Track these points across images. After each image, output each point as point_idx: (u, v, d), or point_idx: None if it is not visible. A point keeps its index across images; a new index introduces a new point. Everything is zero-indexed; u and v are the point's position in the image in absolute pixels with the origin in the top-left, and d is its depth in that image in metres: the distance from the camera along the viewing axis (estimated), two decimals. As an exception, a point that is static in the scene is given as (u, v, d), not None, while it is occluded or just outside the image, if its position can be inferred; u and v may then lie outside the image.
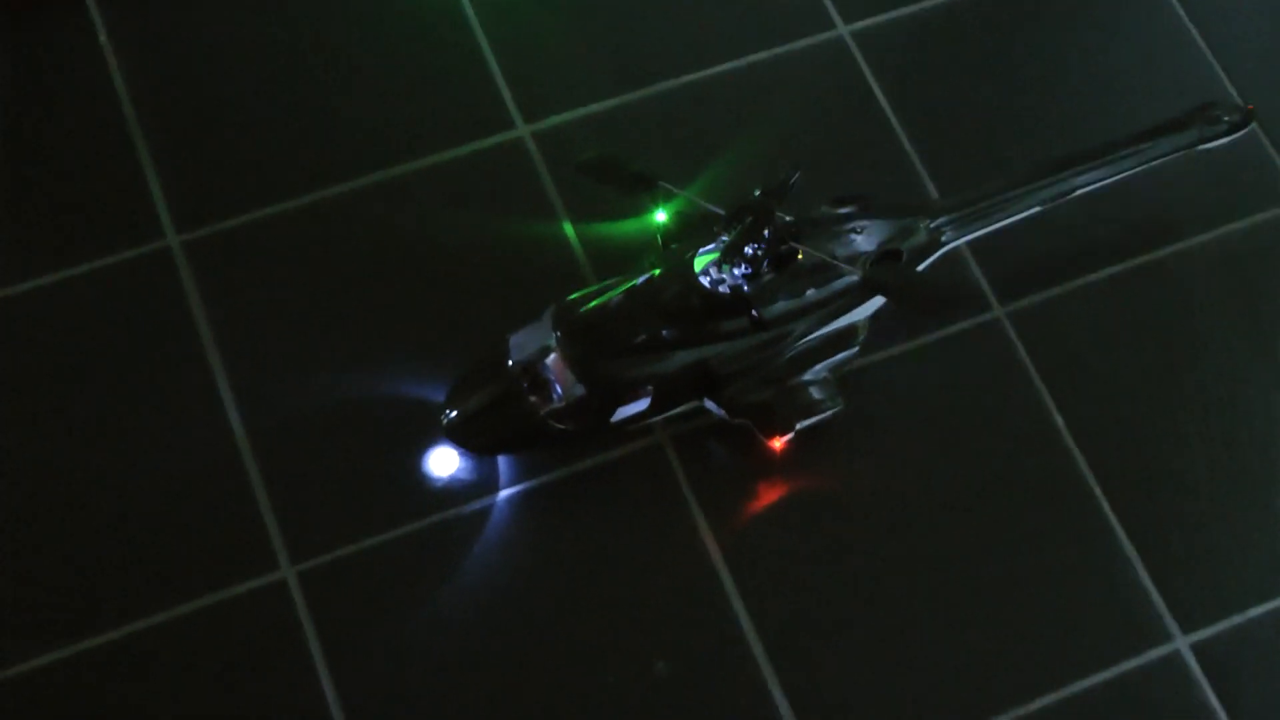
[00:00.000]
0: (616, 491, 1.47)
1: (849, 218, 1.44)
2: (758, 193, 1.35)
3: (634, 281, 1.42)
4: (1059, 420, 1.51)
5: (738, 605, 1.43)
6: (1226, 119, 1.54)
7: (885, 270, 1.39)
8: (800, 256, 1.37)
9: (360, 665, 1.39)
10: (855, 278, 1.40)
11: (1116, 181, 1.50)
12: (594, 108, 1.63)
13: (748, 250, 1.35)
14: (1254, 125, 1.57)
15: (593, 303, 1.41)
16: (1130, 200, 1.56)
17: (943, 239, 1.47)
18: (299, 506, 1.45)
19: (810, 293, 1.40)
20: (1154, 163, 1.51)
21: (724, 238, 1.36)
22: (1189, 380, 1.54)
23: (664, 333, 1.39)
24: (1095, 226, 1.58)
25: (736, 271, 1.36)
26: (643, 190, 1.43)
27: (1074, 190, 1.50)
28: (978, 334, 1.55)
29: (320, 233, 1.56)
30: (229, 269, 1.54)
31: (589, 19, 1.68)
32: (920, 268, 1.46)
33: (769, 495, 1.48)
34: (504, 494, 1.46)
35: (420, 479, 1.46)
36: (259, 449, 1.46)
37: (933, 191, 1.61)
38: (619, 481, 1.47)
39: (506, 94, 1.63)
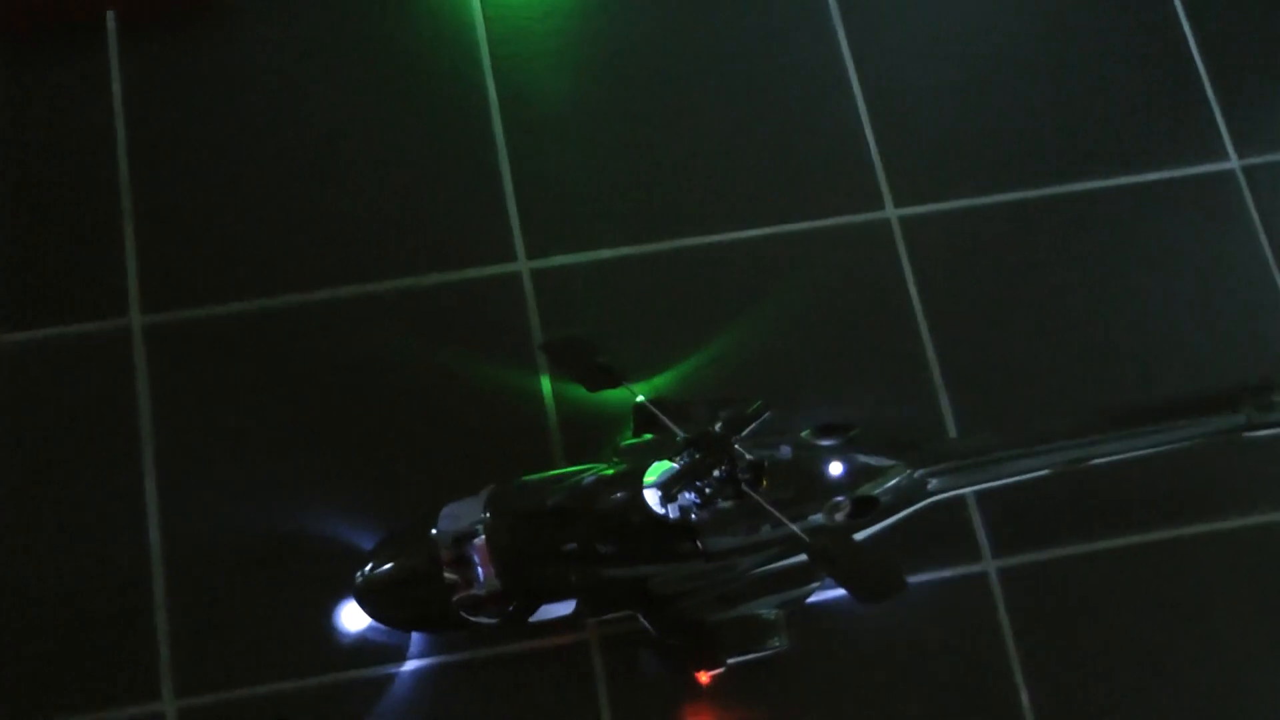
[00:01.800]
0: (530, 686, 1.36)
1: (828, 451, 1.32)
2: (719, 425, 1.23)
3: (582, 479, 1.31)
4: (1024, 698, 1.38)
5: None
6: None
7: (834, 544, 1.25)
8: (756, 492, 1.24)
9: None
10: (819, 518, 1.28)
11: (1139, 458, 1.36)
12: (604, 253, 1.51)
13: (697, 484, 1.23)
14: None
15: (533, 494, 1.31)
16: (1157, 465, 1.39)
17: (929, 488, 1.33)
18: (196, 637, 1.37)
19: (765, 529, 1.28)
20: (1185, 444, 1.36)
21: (677, 463, 1.25)
22: (1180, 686, 1.39)
23: (598, 546, 1.28)
24: (1112, 488, 1.43)
25: (688, 495, 1.24)
26: (606, 385, 1.32)
27: (1089, 460, 1.35)
28: (960, 585, 1.42)
29: (288, 340, 1.47)
30: (185, 362, 1.45)
31: (622, 159, 1.55)
32: (900, 516, 1.33)
33: (693, 721, 1.37)
34: (410, 665, 1.36)
35: (328, 631, 1.37)
36: (170, 565, 1.38)
37: (945, 407, 1.47)
38: (535, 675, 1.37)
39: (515, 223, 1.52)
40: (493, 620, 1.29)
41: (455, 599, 1.28)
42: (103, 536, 1.39)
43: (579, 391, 1.40)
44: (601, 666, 1.37)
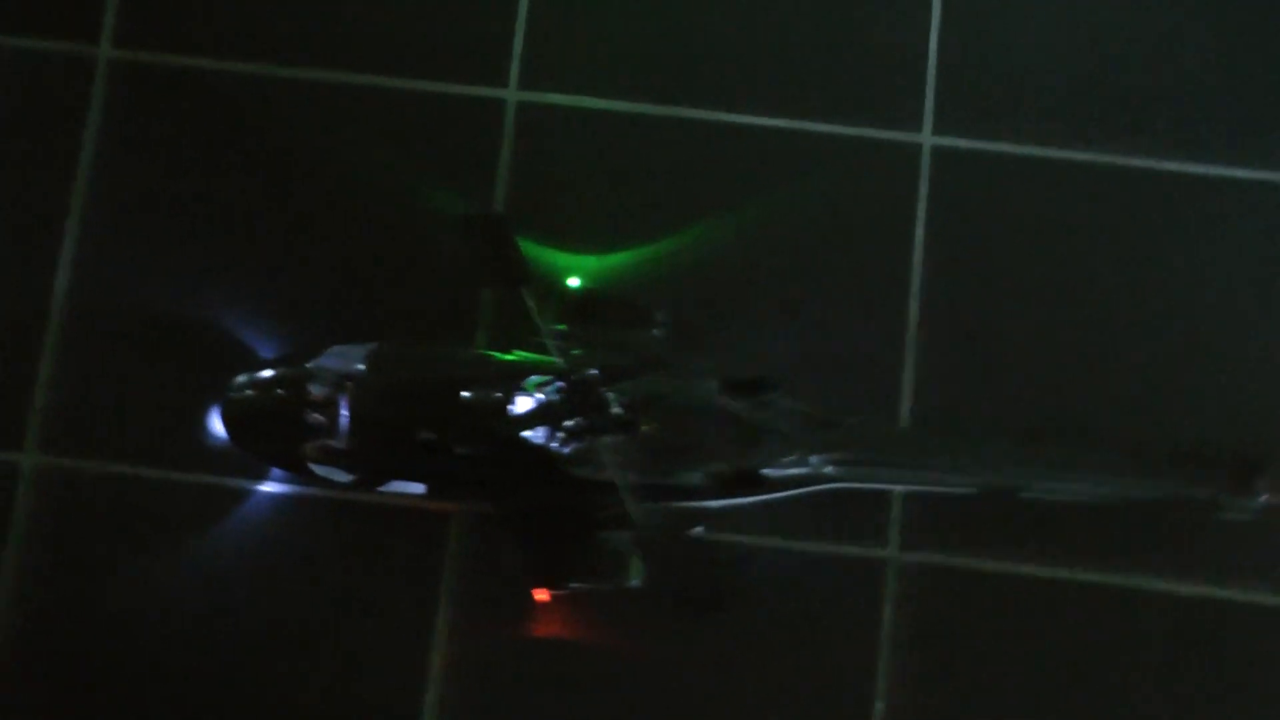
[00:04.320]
0: (381, 541, 1.31)
1: (724, 414, 1.20)
2: (594, 370, 1.12)
3: (466, 365, 1.22)
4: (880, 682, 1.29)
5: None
6: (1264, 494, 1.22)
7: (664, 535, 1.15)
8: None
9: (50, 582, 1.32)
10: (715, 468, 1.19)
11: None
12: (601, 104, 1.38)
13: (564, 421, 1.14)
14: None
15: (414, 365, 1.23)
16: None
17: (828, 473, 1.22)
18: (72, 397, 1.34)
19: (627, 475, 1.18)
20: (1138, 501, 1.22)
21: (541, 395, 1.15)
22: None
23: (456, 447, 1.20)
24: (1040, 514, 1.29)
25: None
26: (503, 285, 1.19)
27: (1024, 491, 1.22)
28: (860, 566, 1.31)
29: (250, 111, 1.38)
30: (142, 109, 1.39)
31: (652, 9, 1.40)
32: (790, 495, 1.22)
33: (529, 627, 1.30)
34: (267, 488, 1.32)
35: (198, 429, 1.33)
36: (69, 315, 1.35)
37: (908, 373, 1.33)
38: (388, 532, 1.31)
39: (518, 45, 1.39)
40: (342, 478, 1.24)
41: (309, 445, 1.22)
42: (10, 265, 1.35)
43: (525, 249, 1.29)
44: (455, 542, 1.31)
